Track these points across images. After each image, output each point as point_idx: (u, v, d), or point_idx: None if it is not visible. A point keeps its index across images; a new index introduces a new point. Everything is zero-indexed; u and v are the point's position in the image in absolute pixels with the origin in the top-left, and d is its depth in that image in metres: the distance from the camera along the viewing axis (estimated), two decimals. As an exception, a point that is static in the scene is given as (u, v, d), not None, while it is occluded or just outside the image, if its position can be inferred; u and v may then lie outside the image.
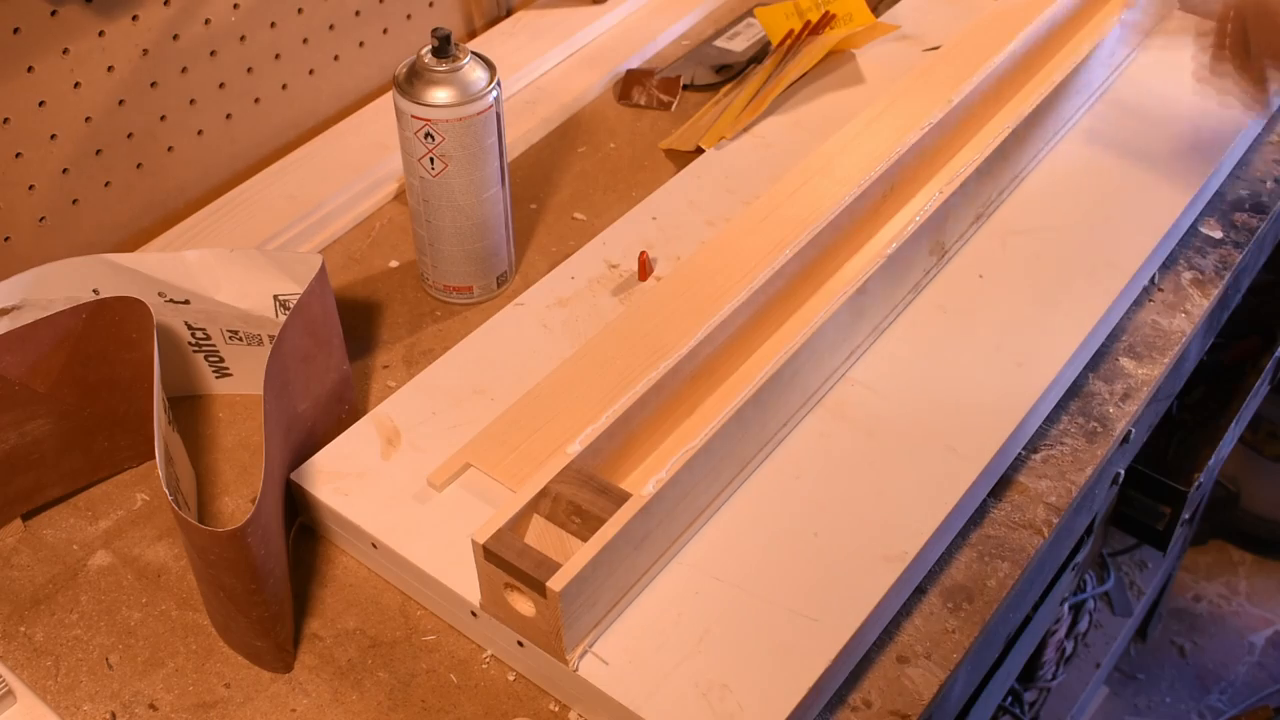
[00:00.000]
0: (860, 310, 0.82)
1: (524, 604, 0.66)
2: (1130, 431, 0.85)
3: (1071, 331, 0.86)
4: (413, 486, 0.76)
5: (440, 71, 0.83)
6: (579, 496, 0.68)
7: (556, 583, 0.63)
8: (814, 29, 1.11)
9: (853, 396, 0.82)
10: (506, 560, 0.64)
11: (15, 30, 0.83)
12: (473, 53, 0.85)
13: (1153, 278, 0.95)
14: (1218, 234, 0.99)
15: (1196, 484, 1.30)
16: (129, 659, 0.72)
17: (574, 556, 0.64)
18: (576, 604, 0.65)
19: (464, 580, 0.70)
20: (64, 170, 0.90)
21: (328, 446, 0.79)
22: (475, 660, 0.72)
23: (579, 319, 0.88)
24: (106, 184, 0.93)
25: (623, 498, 0.67)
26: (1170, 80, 1.08)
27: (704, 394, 0.80)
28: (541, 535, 0.68)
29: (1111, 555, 1.58)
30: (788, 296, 0.84)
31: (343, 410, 0.83)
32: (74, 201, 0.92)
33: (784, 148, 1.03)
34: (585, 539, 0.66)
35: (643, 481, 0.68)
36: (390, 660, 0.72)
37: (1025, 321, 0.86)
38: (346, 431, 0.80)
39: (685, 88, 1.14)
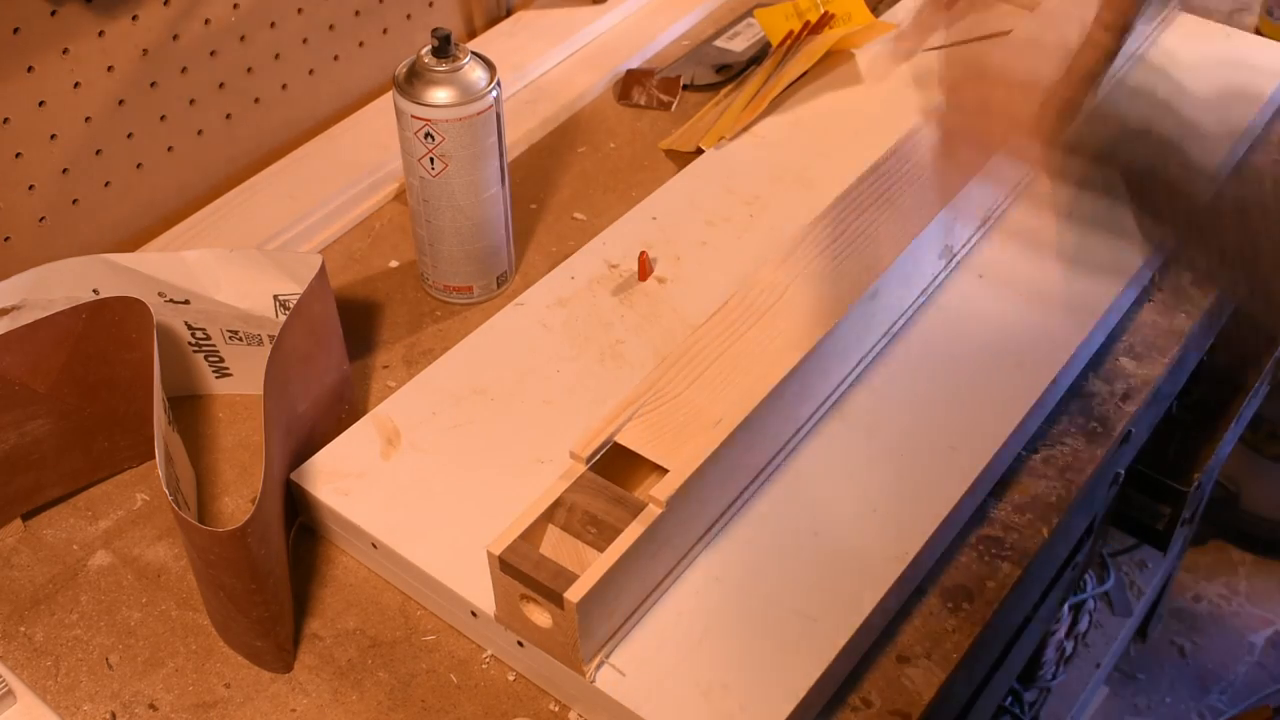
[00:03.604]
0: (871, 315, 0.82)
1: (540, 615, 0.65)
2: (1130, 431, 0.85)
3: (1072, 331, 0.85)
4: (413, 486, 0.76)
5: (440, 71, 0.83)
6: (594, 506, 0.67)
7: (574, 594, 0.62)
8: (813, 29, 1.11)
9: (853, 397, 0.82)
10: (523, 571, 0.63)
11: (15, 30, 0.83)
12: (473, 53, 0.85)
13: (1153, 278, 0.95)
14: (1218, 234, 0.99)
15: (1196, 484, 1.30)
16: (129, 659, 0.72)
17: (591, 567, 0.63)
18: (594, 615, 0.64)
19: (464, 580, 0.70)
20: (64, 170, 0.90)
21: (328, 446, 0.79)
22: (475, 660, 0.72)
23: (579, 319, 0.88)
24: (106, 184, 0.93)
25: (639, 507, 0.66)
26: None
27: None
28: (557, 546, 0.67)
29: (1111, 555, 1.57)
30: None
31: (343, 410, 0.83)
32: (74, 201, 0.92)
33: (784, 148, 1.03)
34: (602, 549, 0.65)
35: (657, 489, 0.67)
36: (390, 660, 0.72)
37: (1025, 321, 0.86)
38: (346, 431, 0.80)
39: (685, 88, 1.14)
